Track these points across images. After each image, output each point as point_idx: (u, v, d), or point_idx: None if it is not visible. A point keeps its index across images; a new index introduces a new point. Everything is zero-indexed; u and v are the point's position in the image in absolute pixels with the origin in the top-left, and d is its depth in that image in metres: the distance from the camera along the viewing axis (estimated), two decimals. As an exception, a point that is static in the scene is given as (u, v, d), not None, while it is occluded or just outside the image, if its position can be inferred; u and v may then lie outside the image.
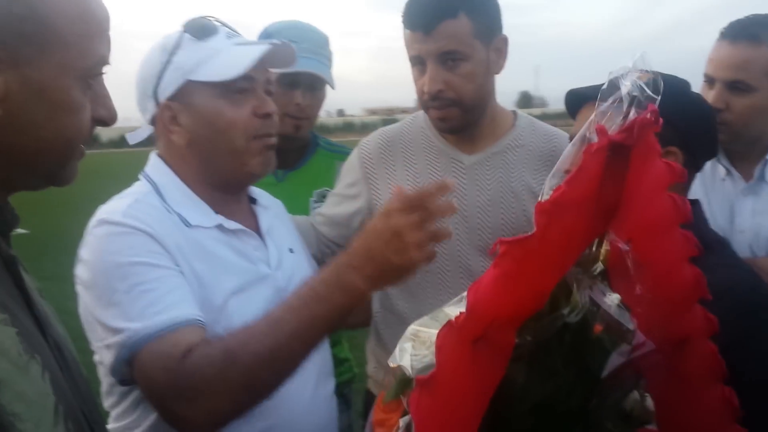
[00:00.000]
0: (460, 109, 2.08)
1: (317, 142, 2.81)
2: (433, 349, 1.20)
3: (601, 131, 1.09)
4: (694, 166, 1.61)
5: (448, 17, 1.99)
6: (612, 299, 1.16)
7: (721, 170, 2.28)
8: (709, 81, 2.23)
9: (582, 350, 1.18)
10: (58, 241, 10.07)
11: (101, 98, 1.12)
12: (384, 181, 2.24)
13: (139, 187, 1.71)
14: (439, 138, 2.22)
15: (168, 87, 1.67)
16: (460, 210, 2.14)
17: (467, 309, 1.12)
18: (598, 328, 1.16)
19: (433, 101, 2.08)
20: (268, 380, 1.44)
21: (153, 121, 1.73)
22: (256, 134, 1.69)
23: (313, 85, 2.59)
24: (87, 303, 1.54)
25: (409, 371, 1.23)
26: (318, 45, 2.60)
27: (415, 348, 1.24)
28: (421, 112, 2.28)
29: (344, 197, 2.32)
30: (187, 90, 1.67)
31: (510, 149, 2.19)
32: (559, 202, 1.09)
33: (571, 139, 1.74)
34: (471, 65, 2.04)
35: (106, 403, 1.64)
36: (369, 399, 2.40)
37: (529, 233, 1.11)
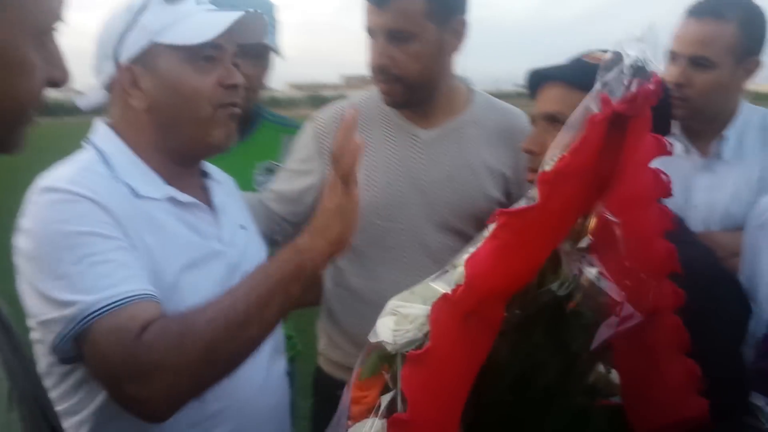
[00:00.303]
0: (403, 86, 2.04)
1: (261, 113, 2.65)
2: (416, 324, 1.17)
3: (605, 101, 1.07)
4: None
5: None
6: (593, 272, 1.16)
7: (678, 147, 2.31)
8: (673, 57, 2.26)
9: (562, 324, 1.17)
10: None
11: (54, 57, 1.02)
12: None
13: (84, 155, 1.58)
14: (396, 113, 2.17)
15: (131, 48, 1.55)
16: (417, 185, 2.10)
17: (466, 282, 1.08)
18: (572, 303, 1.16)
19: (378, 75, 2.05)
20: (226, 352, 1.36)
21: (108, 85, 1.61)
22: (221, 103, 1.60)
23: (260, 54, 2.46)
24: (28, 275, 1.40)
25: (390, 347, 1.18)
26: (265, 11, 2.46)
27: (397, 323, 1.19)
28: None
29: (297, 173, 2.23)
30: (152, 53, 1.56)
31: (467, 125, 2.17)
32: (562, 171, 1.07)
33: (531, 119, 1.75)
34: (419, 45, 2.00)
35: (46, 383, 1.46)
36: (320, 377, 2.35)
37: (531, 203, 1.09)
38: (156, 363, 1.28)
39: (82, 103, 1.67)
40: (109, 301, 1.32)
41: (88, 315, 1.31)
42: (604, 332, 1.13)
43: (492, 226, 1.13)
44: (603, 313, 1.15)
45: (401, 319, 1.20)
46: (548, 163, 1.11)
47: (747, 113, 2.29)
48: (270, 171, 2.42)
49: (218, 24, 1.56)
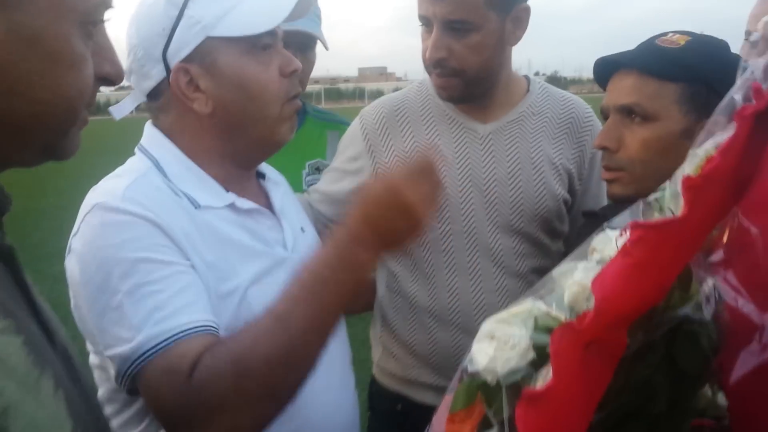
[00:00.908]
0: (462, 80, 1.87)
1: (305, 109, 2.46)
2: (518, 350, 1.02)
3: (757, 91, 0.91)
4: None
5: None
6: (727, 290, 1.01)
7: None
8: (753, 41, 2.09)
9: (680, 347, 1.02)
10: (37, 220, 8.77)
11: (105, 50, 0.92)
12: (390, 153, 1.99)
13: (136, 164, 1.42)
14: (451, 106, 1.98)
15: (183, 46, 1.38)
16: (477, 184, 1.93)
17: (595, 307, 0.92)
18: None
19: (434, 68, 1.87)
20: (287, 384, 1.22)
21: (155, 91, 1.43)
22: (288, 96, 1.44)
23: (306, 46, 2.27)
24: (82, 302, 1.27)
25: (490, 376, 1.01)
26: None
27: (497, 350, 1.02)
28: (428, 78, 2.03)
29: (345, 172, 2.05)
30: (207, 49, 1.39)
31: (527, 117, 1.99)
32: (711, 176, 0.91)
33: (602, 111, 1.58)
34: (480, 36, 1.82)
35: (107, 410, 1.35)
36: (376, 389, 2.20)
37: (673, 216, 0.93)
38: (212, 407, 1.14)
39: (117, 112, 1.46)
40: (161, 338, 1.19)
41: (142, 355, 1.19)
42: (747, 361, 0.98)
43: (621, 241, 0.96)
44: (733, 335, 1.01)
45: (501, 344, 1.03)
46: (690, 166, 0.94)
47: None
48: (318, 170, 2.25)
49: (278, 9, 1.39)
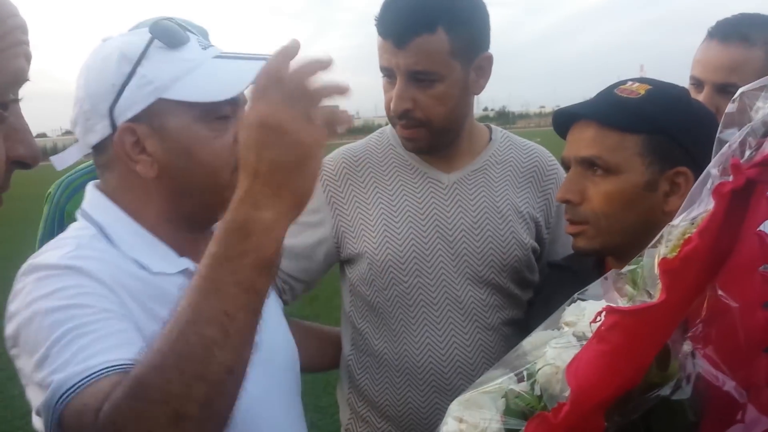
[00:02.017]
0: (428, 131, 1.80)
1: None
2: (489, 437, 0.96)
3: (735, 167, 0.86)
4: None
5: (425, 32, 1.70)
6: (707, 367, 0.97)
7: None
8: (697, 84, 2.04)
9: (661, 428, 0.98)
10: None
11: (19, 132, 0.86)
12: (352, 204, 1.91)
13: (78, 231, 1.31)
14: (413, 156, 1.92)
15: (133, 105, 1.28)
16: (443, 234, 1.86)
17: (571, 399, 0.87)
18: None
19: (400, 119, 1.80)
20: (193, 398, 0.97)
21: (100, 145, 1.33)
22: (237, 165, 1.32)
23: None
24: (19, 364, 1.17)
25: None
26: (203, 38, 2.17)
27: (465, 436, 0.97)
28: (388, 128, 1.96)
29: (305, 225, 1.94)
30: (157, 110, 1.28)
31: (490, 166, 1.93)
32: (689, 257, 0.86)
33: (562, 162, 1.54)
34: (445, 86, 1.76)
35: None
36: None
37: (650, 300, 0.88)
38: None
39: (58, 162, 1.38)
40: (80, 378, 1.04)
41: (60, 396, 1.05)
42: (730, 442, 0.94)
43: (594, 326, 0.91)
44: (714, 411, 0.97)
45: (469, 428, 0.98)
46: (667, 245, 0.90)
47: None
48: None
49: (242, 77, 1.28)
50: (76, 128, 1.34)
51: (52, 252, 1.24)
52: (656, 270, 0.88)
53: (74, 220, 1.39)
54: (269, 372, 1.35)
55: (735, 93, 1.86)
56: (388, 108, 1.82)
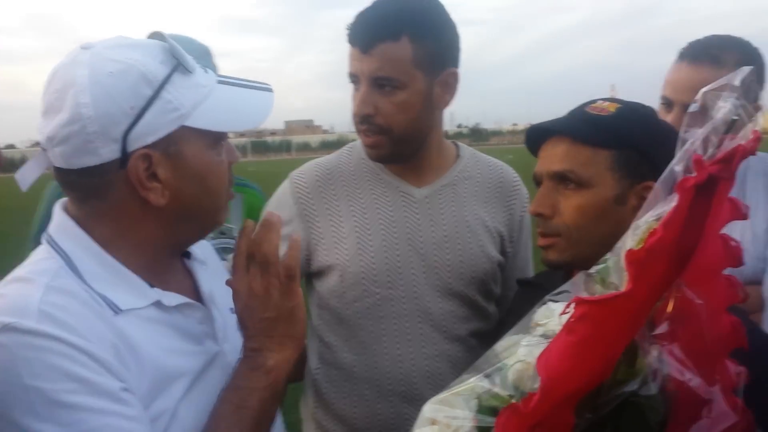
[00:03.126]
0: (389, 139, 1.84)
1: None
2: (462, 435, 0.97)
3: (698, 163, 0.89)
4: None
5: (389, 39, 1.77)
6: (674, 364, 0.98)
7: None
8: (667, 104, 2.10)
9: (625, 421, 0.99)
10: None
11: None
12: (324, 217, 1.93)
13: (45, 263, 1.23)
14: (384, 169, 1.96)
15: (153, 131, 1.20)
16: (415, 247, 1.89)
17: (540, 389, 0.88)
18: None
19: (361, 124, 1.84)
20: None
21: (94, 170, 1.21)
22: (230, 186, 1.37)
23: None
24: None
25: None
26: (203, 59, 2.17)
27: (439, 435, 0.97)
28: (358, 142, 1.99)
29: None
30: (175, 137, 1.23)
31: (459, 181, 1.98)
32: (654, 249, 0.88)
33: (535, 177, 1.57)
34: (406, 95, 1.80)
35: None
36: None
37: (617, 290, 0.90)
38: None
39: (23, 181, 1.30)
40: None
41: None
42: (698, 437, 0.95)
43: (564, 318, 0.93)
44: (680, 408, 0.99)
45: (444, 429, 0.98)
46: (633, 238, 0.92)
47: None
48: (222, 233, 2.15)
49: (257, 109, 1.34)
50: (57, 146, 1.21)
51: (20, 296, 1.16)
52: (623, 262, 0.90)
53: None
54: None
55: (706, 112, 1.93)
56: (353, 117, 1.86)
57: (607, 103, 1.53)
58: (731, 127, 0.91)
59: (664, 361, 0.97)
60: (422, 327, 1.86)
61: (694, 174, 0.90)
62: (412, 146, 1.88)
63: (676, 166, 0.92)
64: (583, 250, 1.48)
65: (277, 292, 1.30)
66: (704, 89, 0.92)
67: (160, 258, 1.32)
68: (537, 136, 1.57)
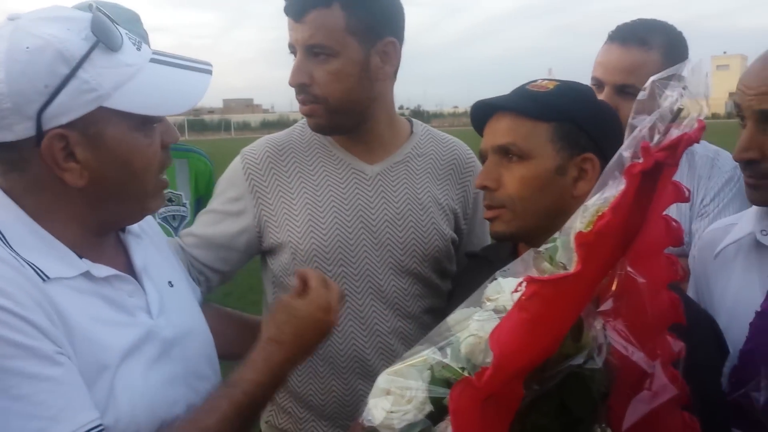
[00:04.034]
0: (325, 108, 1.84)
1: None
2: (415, 404, 1.01)
3: (645, 150, 0.93)
4: None
5: (320, 5, 1.76)
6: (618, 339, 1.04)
7: None
8: (598, 85, 2.15)
9: (570, 392, 1.04)
10: None
11: None
12: (276, 194, 1.91)
13: None
14: (336, 146, 1.95)
15: (69, 111, 1.18)
16: (367, 225, 1.89)
17: (494, 363, 0.92)
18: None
19: (298, 94, 1.84)
20: None
21: (10, 145, 1.20)
22: (162, 169, 1.33)
23: None
24: None
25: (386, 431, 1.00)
26: (135, 25, 2.14)
27: (394, 404, 1.01)
28: None
29: (225, 214, 1.94)
30: (93, 118, 1.20)
31: (412, 158, 1.98)
32: (603, 232, 0.93)
33: (481, 154, 1.62)
34: (340, 63, 1.80)
35: None
36: None
37: (566, 271, 0.94)
38: None
39: None
40: None
41: None
42: (638, 409, 1.01)
43: (516, 296, 0.97)
44: (623, 380, 1.04)
45: (397, 398, 1.02)
46: (582, 221, 0.96)
47: None
48: (170, 200, 2.14)
49: (187, 93, 1.30)
50: None
51: None
52: (572, 244, 0.95)
53: None
54: (180, 356, 1.37)
55: (634, 93, 2.00)
56: (290, 85, 1.86)
57: (546, 81, 1.61)
58: (677, 115, 0.95)
59: (608, 336, 1.02)
60: (375, 304, 1.88)
61: (641, 160, 0.94)
62: (351, 117, 1.88)
63: (625, 151, 0.96)
64: (528, 221, 1.54)
65: (328, 319, 1.44)
66: (653, 77, 0.96)
67: (88, 235, 1.31)
68: (481, 114, 1.62)
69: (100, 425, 1.15)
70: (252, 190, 1.93)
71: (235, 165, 1.99)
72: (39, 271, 1.19)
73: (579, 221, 0.97)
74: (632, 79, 2.09)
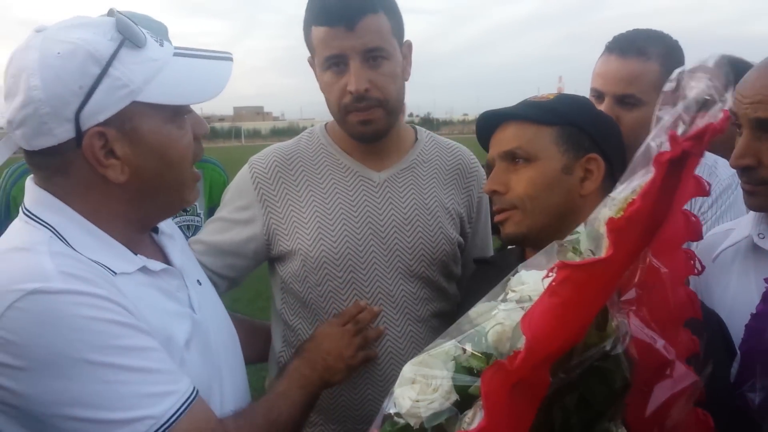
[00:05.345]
0: (385, 111, 1.86)
1: None
2: (441, 392, 1.02)
3: (673, 138, 0.95)
4: (611, 176, 1.57)
5: (370, 11, 1.80)
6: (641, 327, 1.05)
7: None
8: (598, 95, 2.17)
9: (590, 384, 1.05)
10: None
11: None
12: (284, 203, 1.93)
13: (30, 235, 1.24)
14: (344, 155, 1.97)
15: (103, 109, 1.23)
16: (375, 231, 1.90)
17: (526, 347, 0.93)
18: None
19: (358, 102, 1.83)
20: None
21: (53, 150, 1.25)
22: (195, 160, 1.37)
23: None
24: (44, 402, 1.15)
25: (413, 420, 1.00)
26: (163, 36, 2.13)
27: (419, 393, 1.01)
28: (317, 128, 2.02)
29: (233, 222, 1.96)
30: (128, 114, 1.25)
31: (418, 164, 2.01)
32: (633, 218, 0.94)
33: (488, 164, 1.65)
34: (392, 64, 1.86)
35: None
36: None
37: (598, 256, 0.95)
38: None
39: None
40: (176, 408, 1.22)
41: (161, 428, 1.20)
42: (660, 395, 1.03)
43: (545, 282, 0.97)
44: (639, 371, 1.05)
45: (423, 387, 1.02)
46: (611, 207, 0.98)
47: None
48: (185, 211, 2.13)
49: (213, 80, 1.33)
50: (17, 129, 1.25)
51: (31, 264, 1.19)
52: (603, 230, 0.96)
53: (19, 205, 1.34)
54: (215, 349, 1.43)
55: (634, 103, 2.04)
56: (341, 95, 1.86)
57: (547, 93, 1.69)
58: (702, 106, 0.97)
59: (631, 326, 1.03)
60: (385, 309, 1.89)
61: (669, 149, 0.96)
62: (396, 119, 1.93)
63: (652, 141, 0.97)
64: (538, 220, 1.56)
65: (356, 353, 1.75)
66: (680, 69, 0.98)
67: (132, 232, 1.35)
68: (487, 126, 1.67)
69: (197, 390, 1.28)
70: (260, 198, 1.94)
71: (244, 174, 2.00)
72: (106, 268, 1.25)
73: (608, 209, 0.98)
74: (632, 89, 2.11)
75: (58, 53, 1.22)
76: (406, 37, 1.94)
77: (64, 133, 1.23)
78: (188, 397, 1.23)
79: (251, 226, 1.95)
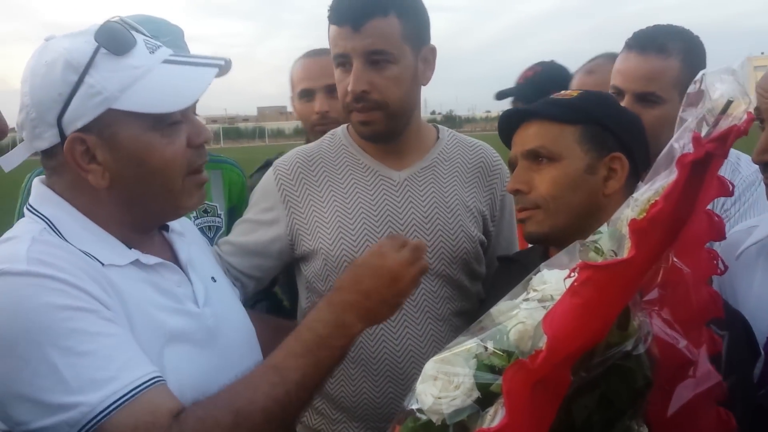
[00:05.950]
0: (384, 114, 1.87)
1: None
2: (463, 389, 1.02)
3: (696, 140, 0.96)
4: (635, 174, 1.57)
5: (379, 14, 1.81)
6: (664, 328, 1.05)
7: None
8: (618, 93, 2.15)
9: (612, 383, 1.06)
10: None
11: None
12: (307, 203, 1.96)
13: (27, 225, 1.29)
14: (364, 154, 1.99)
15: (81, 116, 1.26)
16: (395, 230, 1.92)
17: (547, 346, 0.93)
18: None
19: (356, 102, 1.86)
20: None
21: (49, 151, 1.31)
22: (191, 169, 1.36)
23: None
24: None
25: (435, 417, 1.01)
26: (178, 39, 2.17)
27: (441, 390, 1.02)
28: (339, 129, 2.04)
29: (259, 223, 1.99)
30: (107, 121, 1.27)
31: (439, 163, 2.02)
32: (655, 219, 0.95)
33: (510, 162, 1.65)
34: (398, 69, 1.85)
35: None
36: None
37: (620, 257, 0.96)
38: None
39: (5, 163, 1.36)
40: (116, 397, 1.15)
41: (95, 418, 1.14)
42: (682, 395, 1.03)
43: (567, 282, 0.98)
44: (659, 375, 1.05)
45: (446, 384, 1.03)
46: (633, 208, 0.98)
47: None
48: (206, 212, 2.16)
49: (190, 88, 1.33)
50: (23, 132, 1.32)
51: (8, 252, 1.23)
52: (625, 231, 0.96)
53: None
54: (225, 345, 1.42)
55: (654, 101, 2.02)
56: (344, 94, 1.88)
57: (570, 92, 1.69)
58: (727, 108, 0.97)
59: (652, 326, 1.03)
60: (406, 308, 1.88)
61: (692, 150, 0.96)
62: (402, 122, 1.92)
63: (675, 143, 0.98)
64: (560, 220, 1.56)
65: (410, 281, 1.43)
66: (703, 71, 0.98)
67: (129, 231, 1.37)
68: (509, 123, 1.66)
69: (161, 378, 1.21)
70: (284, 200, 1.97)
71: (268, 176, 2.03)
72: (95, 259, 1.27)
73: (630, 210, 0.99)
74: (652, 87, 2.09)
75: (45, 62, 1.27)
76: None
77: (52, 137, 1.28)
78: (135, 387, 1.17)
79: (275, 227, 1.97)
